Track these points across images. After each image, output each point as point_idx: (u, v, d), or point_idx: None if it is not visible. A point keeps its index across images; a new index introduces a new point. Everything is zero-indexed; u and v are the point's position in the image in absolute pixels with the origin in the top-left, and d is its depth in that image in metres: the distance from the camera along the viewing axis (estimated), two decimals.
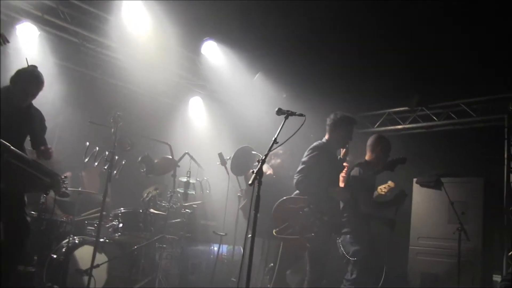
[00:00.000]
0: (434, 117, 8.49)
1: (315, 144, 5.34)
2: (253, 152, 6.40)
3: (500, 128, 7.68)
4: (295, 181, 5.17)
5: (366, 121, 9.44)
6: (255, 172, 3.61)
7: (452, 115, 8.29)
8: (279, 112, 4.03)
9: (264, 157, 3.78)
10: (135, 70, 7.91)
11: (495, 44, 6.59)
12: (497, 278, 7.07)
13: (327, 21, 6.90)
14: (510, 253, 6.73)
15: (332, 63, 7.82)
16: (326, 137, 5.45)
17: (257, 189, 3.61)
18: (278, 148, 6.25)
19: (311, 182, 5.13)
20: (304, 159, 5.29)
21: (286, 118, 3.99)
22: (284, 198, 5.24)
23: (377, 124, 9.24)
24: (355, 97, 8.46)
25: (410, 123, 8.80)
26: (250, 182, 3.59)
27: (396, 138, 8.84)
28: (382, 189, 5.81)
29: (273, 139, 3.85)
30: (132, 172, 6.34)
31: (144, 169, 6.29)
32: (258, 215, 3.64)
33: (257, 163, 3.75)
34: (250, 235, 4.02)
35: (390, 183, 5.83)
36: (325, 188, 5.17)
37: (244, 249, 5.15)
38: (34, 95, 4.75)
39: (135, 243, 6.19)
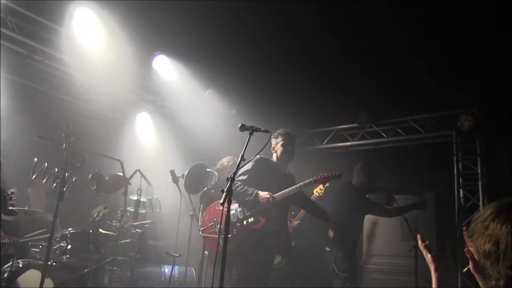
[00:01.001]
0: (383, 134, 8.61)
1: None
2: (207, 169, 6.29)
3: (449, 144, 7.88)
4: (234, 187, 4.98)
5: (314, 138, 9.49)
6: (225, 190, 3.61)
7: (401, 131, 8.43)
8: (243, 128, 4.06)
9: (233, 175, 3.77)
10: (84, 84, 7.73)
11: (444, 60, 6.76)
12: None
13: (276, 37, 6.96)
14: (464, 270, 6.79)
15: (281, 79, 7.91)
16: (273, 157, 5.55)
17: (228, 207, 3.65)
18: (223, 160, 6.69)
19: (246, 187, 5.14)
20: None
21: (250, 134, 4.03)
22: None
23: (326, 140, 9.29)
24: (303, 113, 8.61)
25: (359, 139, 8.90)
26: (221, 201, 3.60)
27: (344, 155, 9.12)
28: (318, 191, 6.65)
29: (240, 156, 3.86)
30: (81, 189, 6.13)
31: (95, 187, 6.10)
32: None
33: (226, 181, 3.73)
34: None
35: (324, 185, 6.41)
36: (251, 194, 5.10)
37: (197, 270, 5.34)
38: None
39: (84, 266, 6.00)
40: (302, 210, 6.96)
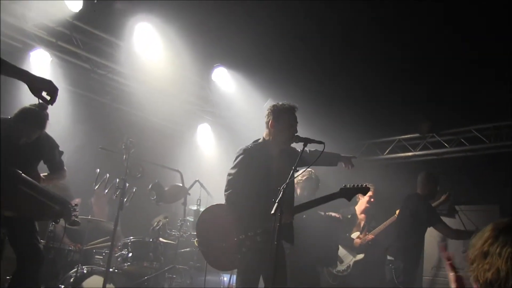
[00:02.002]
0: (445, 144, 8.34)
1: (238, 150, 4.45)
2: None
3: None
4: (225, 197, 4.31)
5: (375, 148, 9.30)
6: (277, 201, 3.48)
7: (464, 141, 8.14)
8: (297, 139, 3.99)
9: (285, 185, 3.60)
10: (144, 96, 7.82)
11: (507, 69, 6.44)
12: None
13: (336, 46, 6.87)
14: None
15: (342, 88, 7.78)
16: (264, 134, 4.53)
17: (280, 219, 3.49)
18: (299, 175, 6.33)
19: (240, 194, 4.24)
20: (227, 176, 4.36)
21: (304, 145, 3.90)
22: (215, 204, 4.49)
23: (387, 151, 9.07)
24: (364, 123, 8.41)
25: (420, 150, 8.64)
26: (273, 211, 3.46)
27: (406, 165, 8.85)
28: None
29: (293, 167, 3.73)
30: (141, 200, 6.18)
31: (154, 197, 6.09)
32: None
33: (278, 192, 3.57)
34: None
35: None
36: (257, 201, 4.16)
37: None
38: (29, 137, 4.45)
39: (144, 273, 6.02)
40: (382, 225, 6.78)
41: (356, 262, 6.93)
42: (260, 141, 4.49)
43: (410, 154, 8.77)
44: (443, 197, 6.26)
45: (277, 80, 7.56)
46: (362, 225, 7.07)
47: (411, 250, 5.86)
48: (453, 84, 7.02)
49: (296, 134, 4.06)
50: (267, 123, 4.41)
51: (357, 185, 4.32)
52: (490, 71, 6.61)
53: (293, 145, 4.27)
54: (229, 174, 4.31)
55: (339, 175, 6.82)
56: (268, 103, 7.92)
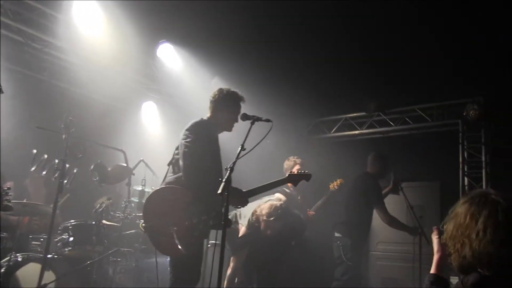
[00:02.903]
0: (391, 122, 8.35)
1: (192, 123, 4.26)
2: None
3: (455, 132, 7.66)
4: (184, 173, 4.08)
5: (323, 127, 9.23)
6: (224, 180, 3.34)
7: (408, 120, 8.17)
8: (244, 117, 3.86)
9: (232, 164, 3.48)
10: (85, 72, 7.24)
11: (450, 50, 6.52)
12: (454, 280, 6.95)
13: (284, 24, 6.63)
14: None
15: (289, 68, 7.59)
16: (209, 115, 4.43)
17: (227, 198, 3.35)
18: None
19: (199, 172, 4.03)
20: (184, 149, 4.11)
21: (252, 123, 3.79)
22: (164, 186, 4.17)
23: (334, 129, 9.02)
24: (311, 102, 8.34)
25: (367, 128, 8.64)
26: (219, 191, 3.29)
27: (352, 143, 8.87)
28: (334, 185, 6.48)
29: (240, 145, 3.59)
30: (83, 181, 5.76)
31: (97, 178, 5.68)
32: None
33: (225, 170, 3.47)
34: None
35: (340, 180, 6.56)
36: (214, 180, 3.88)
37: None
38: None
39: (87, 258, 5.58)
40: (320, 201, 6.71)
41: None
42: (205, 119, 4.33)
43: (356, 132, 8.76)
44: (391, 185, 6.23)
45: (224, 57, 7.25)
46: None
47: (359, 227, 5.88)
48: (399, 64, 6.93)
49: (243, 112, 3.91)
50: (214, 106, 4.37)
51: (302, 172, 4.61)
52: (434, 51, 6.59)
53: (240, 123, 4.04)
54: (187, 147, 4.06)
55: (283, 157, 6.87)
56: (215, 81, 7.69)
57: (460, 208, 2.29)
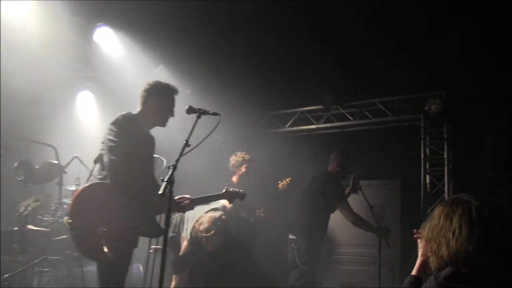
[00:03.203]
0: (349, 116, 8.18)
1: (118, 117, 4.03)
2: (154, 155, 5.66)
3: (416, 128, 7.57)
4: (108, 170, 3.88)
5: (276, 121, 8.97)
6: (165, 180, 3.27)
7: (368, 114, 8.02)
8: (190, 110, 3.75)
9: (175, 162, 3.40)
10: (9, 58, 6.59)
11: (413, 43, 6.56)
12: None
13: (238, 13, 6.47)
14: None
15: (242, 58, 7.40)
16: (138, 108, 4.24)
17: (169, 199, 3.30)
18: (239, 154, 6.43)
19: (125, 169, 3.84)
20: (109, 143, 3.91)
21: (198, 117, 3.73)
22: (98, 182, 3.89)
23: (289, 123, 8.78)
24: (265, 94, 8.15)
25: (324, 122, 8.43)
26: (161, 191, 3.21)
27: (309, 138, 8.68)
28: (283, 184, 6.49)
29: (184, 141, 3.51)
30: (5, 181, 5.31)
31: (22, 177, 5.32)
32: None
33: (167, 169, 3.37)
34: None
35: (289, 178, 6.58)
36: (142, 180, 3.91)
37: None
38: None
39: (8, 269, 5.04)
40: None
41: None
42: (133, 113, 4.13)
43: (313, 127, 8.55)
44: (351, 185, 6.12)
45: (170, 44, 7.01)
46: None
47: (315, 228, 5.71)
48: (358, 55, 6.88)
49: (189, 105, 3.76)
50: (145, 97, 4.20)
51: (237, 190, 4.77)
52: (395, 43, 6.54)
53: (185, 116, 3.80)
54: (111, 141, 3.87)
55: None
56: (159, 70, 7.36)
57: (434, 212, 2.39)
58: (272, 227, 6.88)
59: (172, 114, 4.26)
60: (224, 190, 4.67)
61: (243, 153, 6.55)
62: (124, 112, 4.05)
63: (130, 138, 3.90)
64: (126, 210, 3.81)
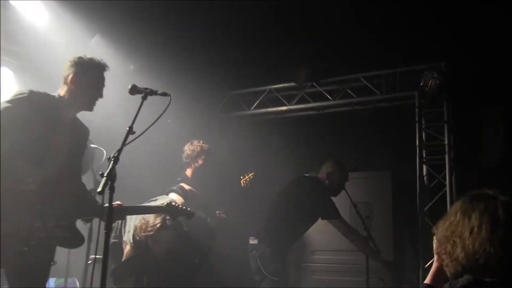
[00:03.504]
0: (328, 95, 8.37)
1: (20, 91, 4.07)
2: (92, 145, 5.69)
3: (410, 108, 7.71)
4: None
5: (239, 101, 9.16)
6: (105, 175, 3.28)
7: (350, 92, 8.20)
8: (134, 90, 3.78)
9: (117, 153, 3.40)
10: None
11: (403, 3, 6.46)
12: None
13: None
14: (427, 265, 6.82)
15: (197, 29, 7.39)
16: (59, 90, 4.28)
17: (110, 198, 3.31)
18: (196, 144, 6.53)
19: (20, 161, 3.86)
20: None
21: (143, 98, 3.75)
22: None
23: (255, 104, 8.97)
24: (225, 70, 8.23)
25: (297, 103, 8.65)
26: (100, 189, 3.24)
27: (279, 122, 8.89)
28: (245, 180, 6.74)
29: (128, 128, 3.51)
30: None
31: None
32: None
33: (107, 161, 3.39)
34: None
35: (251, 174, 6.75)
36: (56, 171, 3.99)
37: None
38: None
39: None
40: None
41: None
42: (54, 96, 4.21)
43: (284, 108, 8.76)
44: None
45: (110, 10, 6.94)
46: None
47: (285, 236, 5.86)
48: (337, 21, 6.88)
49: (132, 84, 3.79)
50: (67, 77, 4.24)
51: (183, 208, 4.90)
52: (380, 7, 6.54)
53: (129, 98, 3.87)
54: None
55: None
56: (95, 41, 7.38)
57: (451, 208, 2.41)
58: (233, 230, 6.99)
59: (99, 95, 4.32)
60: (166, 204, 4.80)
61: (200, 142, 6.66)
62: (32, 88, 4.13)
63: (27, 121, 3.89)
64: (41, 206, 3.86)
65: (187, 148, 6.64)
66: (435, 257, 2.56)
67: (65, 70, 4.30)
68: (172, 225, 5.34)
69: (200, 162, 6.62)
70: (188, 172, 6.65)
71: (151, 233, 5.29)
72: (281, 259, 5.77)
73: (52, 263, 4.20)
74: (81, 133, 4.39)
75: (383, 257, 6.12)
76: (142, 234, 5.35)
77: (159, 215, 5.30)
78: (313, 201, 5.86)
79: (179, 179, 6.50)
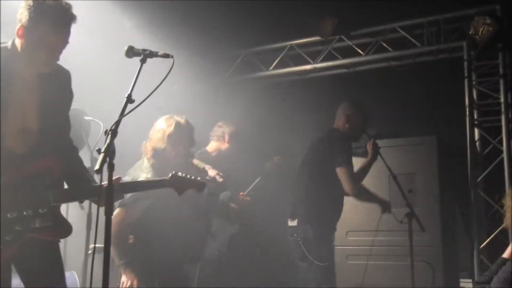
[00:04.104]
0: (360, 50, 8.28)
1: None
2: (86, 117, 5.86)
3: (457, 61, 7.60)
4: None
5: (256, 60, 9.09)
6: (103, 150, 3.23)
7: (386, 46, 8.10)
8: (131, 52, 3.69)
9: (114, 125, 3.33)
10: None
11: None
12: (466, 283, 7.09)
13: None
14: (481, 246, 6.80)
15: None
16: (16, 41, 3.95)
17: (109, 178, 3.28)
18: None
19: None
20: None
21: (143, 61, 3.67)
22: None
23: (274, 64, 8.90)
24: (238, 25, 8.17)
25: (323, 60, 8.57)
26: (97, 167, 3.17)
27: (303, 84, 8.88)
28: (270, 166, 7.08)
29: (126, 96, 3.44)
30: None
31: None
32: None
33: (104, 135, 3.33)
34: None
35: (275, 158, 7.15)
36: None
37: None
38: None
39: None
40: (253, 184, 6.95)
41: (233, 237, 6.97)
42: (7, 47, 3.88)
43: (308, 67, 8.70)
44: (370, 150, 6.25)
45: None
46: None
47: (325, 207, 5.85)
48: None
49: (129, 45, 3.68)
50: (21, 27, 3.79)
51: (191, 177, 4.58)
52: None
53: (125, 61, 3.77)
54: None
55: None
56: None
57: None
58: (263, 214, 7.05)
59: (62, 43, 3.92)
60: (170, 175, 4.54)
61: (225, 123, 6.89)
62: None
63: None
64: (17, 193, 3.77)
65: (216, 130, 6.86)
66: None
67: (19, 14, 3.81)
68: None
69: (225, 144, 6.82)
70: (210, 148, 6.84)
71: None
72: (326, 240, 5.86)
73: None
74: (57, 86, 4.06)
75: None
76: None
77: None
78: (332, 151, 5.86)
79: (199, 152, 6.57)
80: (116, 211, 5.24)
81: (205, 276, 6.64)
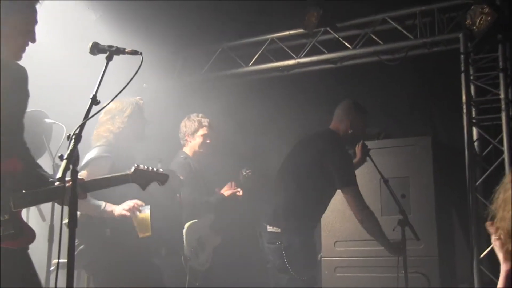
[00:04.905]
0: (346, 43, 8.28)
1: None
2: (47, 120, 5.82)
3: (453, 54, 7.59)
4: None
5: (235, 56, 9.09)
6: (65, 157, 3.21)
7: (376, 38, 8.10)
8: (95, 49, 3.71)
9: (78, 129, 3.33)
10: None
11: None
12: None
13: None
14: (482, 255, 6.82)
15: None
16: None
17: (73, 184, 3.29)
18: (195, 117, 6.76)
19: None
20: None
21: (109, 59, 3.70)
22: None
23: (254, 59, 8.90)
24: (215, 17, 8.24)
25: (307, 55, 8.58)
26: (59, 174, 3.19)
27: (285, 81, 8.91)
28: (243, 177, 7.03)
29: (91, 96, 3.45)
30: None
31: None
32: None
33: (66, 139, 3.33)
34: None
35: (248, 171, 7.04)
36: None
37: None
38: None
39: None
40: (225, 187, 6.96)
41: (215, 249, 6.94)
42: None
43: (291, 62, 8.71)
44: (359, 153, 6.23)
45: None
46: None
47: (309, 213, 5.81)
48: None
49: (94, 42, 3.70)
50: None
51: (153, 170, 4.69)
52: None
53: (89, 58, 3.78)
54: None
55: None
56: None
57: (506, 179, 2.57)
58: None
59: (30, 38, 3.97)
60: (133, 169, 4.59)
61: (199, 115, 6.90)
62: None
63: None
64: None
65: (185, 124, 6.83)
66: (503, 256, 2.69)
67: None
68: None
69: (199, 139, 6.82)
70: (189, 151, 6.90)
71: None
72: (312, 250, 5.82)
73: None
74: (11, 84, 3.92)
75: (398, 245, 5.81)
76: None
77: None
78: (330, 161, 5.70)
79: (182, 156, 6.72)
80: None
81: None
